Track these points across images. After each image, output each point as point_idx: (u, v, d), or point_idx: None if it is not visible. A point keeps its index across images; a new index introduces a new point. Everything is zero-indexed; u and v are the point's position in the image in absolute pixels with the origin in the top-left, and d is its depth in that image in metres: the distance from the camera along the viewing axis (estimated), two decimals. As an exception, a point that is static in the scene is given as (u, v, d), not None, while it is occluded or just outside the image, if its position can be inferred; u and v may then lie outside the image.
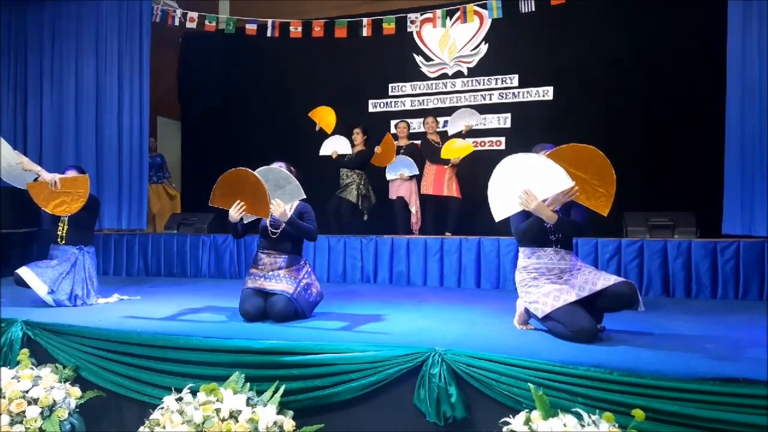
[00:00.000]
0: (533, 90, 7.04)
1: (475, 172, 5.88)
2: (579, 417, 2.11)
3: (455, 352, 2.45)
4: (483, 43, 7.27)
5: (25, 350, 3.05)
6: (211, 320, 3.35)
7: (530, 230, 2.91)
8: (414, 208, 6.30)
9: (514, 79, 7.13)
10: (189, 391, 2.52)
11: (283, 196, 3.37)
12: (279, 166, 3.45)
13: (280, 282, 3.37)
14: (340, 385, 2.56)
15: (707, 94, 5.58)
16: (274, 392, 2.55)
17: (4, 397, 2.73)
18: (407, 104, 7.60)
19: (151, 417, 2.46)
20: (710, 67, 5.53)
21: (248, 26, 6.66)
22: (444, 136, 6.30)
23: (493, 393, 2.37)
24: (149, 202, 7.18)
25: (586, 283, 2.78)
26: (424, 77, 7.52)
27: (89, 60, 6.37)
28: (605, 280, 2.76)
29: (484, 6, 6.14)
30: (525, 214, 2.92)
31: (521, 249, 3.01)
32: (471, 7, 6.21)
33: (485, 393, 2.38)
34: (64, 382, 2.91)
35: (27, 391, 2.77)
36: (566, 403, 2.21)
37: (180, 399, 2.48)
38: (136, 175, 6.31)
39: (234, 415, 2.38)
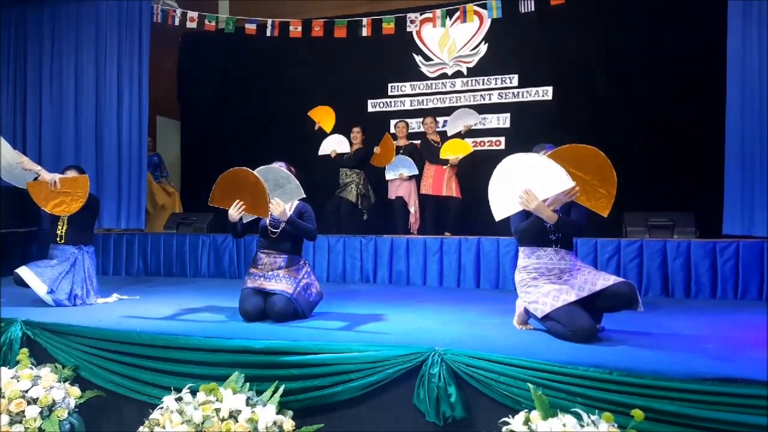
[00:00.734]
0: (533, 90, 7.04)
1: (475, 171, 5.87)
2: (578, 417, 2.11)
3: (455, 352, 2.45)
4: (483, 43, 7.27)
5: (25, 350, 3.04)
6: (210, 320, 3.35)
7: (530, 230, 2.91)
8: (413, 208, 6.31)
9: (514, 79, 7.13)
10: (188, 390, 2.52)
11: (282, 195, 3.37)
12: (279, 166, 3.45)
13: (279, 282, 3.37)
14: (340, 385, 2.56)
15: (707, 94, 5.58)
16: (274, 392, 2.55)
17: (3, 397, 2.73)
18: (407, 104, 7.60)
19: (151, 417, 2.46)
20: (710, 67, 5.53)
21: (248, 26, 6.66)
22: (443, 136, 6.30)
23: (492, 393, 2.37)
24: (154, 195, 7.19)
25: (585, 283, 2.79)
26: (423, 77, 7.52)
27: (89, 60, 6.37)
28: (605, 280, 2.76)
29: (483, 6, 6.13)
30: (525, 214, 2.92)
31: (521, 249, 3.01)
32: (471, 7, 6.21)
33: (485, 393, 2.38)
34: (64, 381, 2.91)
35: (26, 391, 2.77)
36: (565, 403, 2.21)
37: (179, 399, 2.48)
38: (135, 174, 6.31)
39: (233, 415, 2.38)
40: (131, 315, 3.42)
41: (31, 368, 2.92)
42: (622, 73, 6.45)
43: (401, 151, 6.33)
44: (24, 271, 3.77)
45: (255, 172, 3.28)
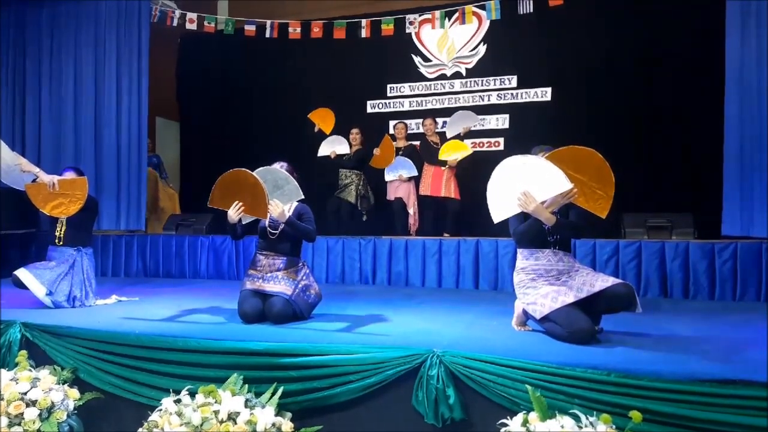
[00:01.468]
0: (532, 91, 7.05)
1: (474, 172, 5.86)
2: (576, 418, 2.12)
3: (453, 353, 2.46)
4: (482, 44, 7.28)
5: (24, 352, 3.05)
6: (209, 322, 3.35)
7: (529, 232, 2.92)
8: (412, 209, 6.31)
9: (513, 80, 7.13)
10: (187, 392, 2.52)
11: (281, 196, 3.37)
12: (281, 167, 3.46)
13: (278, 283, 3.37)
14: (339, 386, 2.56)
15: (705, 95, 5.59)
16: (273, 394, 2.55)
17: (2, 399, 2.73)
18: (406, 105, 7.60)
19: (150, 419, 2.47)
20: (709, 68, 5.53)
21: (247, 27, 6.66)
22: (443, 138, 6.30)
23: (490, 394, 2.37)
24: (158, 194, 7.18)
25: (584, 284, 2.79)
26: (422, 78, 7.53)
27: (88, 61, 6.37)
28: (603, 281, 2.77)
29: (482, 7, 6.14)
30: (523, 216, 2.92)
31: (519, 250, 3.02)
32: (469, 8, 6.21)
33: (483, 394, 2.39)
34: (63, 383, 2.91)
35: (25, 393, 2.77)
36: (564, 404, 2.22)
37: (178, 401, 2.48)
38: (134, 175, 6.31)
39: (232, 417, 2.38)
40: (130, 317, 3.43)
41: (30, 370, 2.93)
42: (621, 74, 6.46)
43: (401, 152, 6.33)
44: (23, 273, 3.77)
45: (254, 174, 3.29)
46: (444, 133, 6.41)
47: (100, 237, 6.07)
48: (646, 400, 2.15)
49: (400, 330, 3.07)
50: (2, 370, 2.90)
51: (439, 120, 6.70)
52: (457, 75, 7.38)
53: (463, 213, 6.09)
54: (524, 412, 2.21)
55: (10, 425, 2.68)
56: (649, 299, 4.42)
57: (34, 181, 3.91)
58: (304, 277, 3.47)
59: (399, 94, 7.62)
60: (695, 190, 5.79)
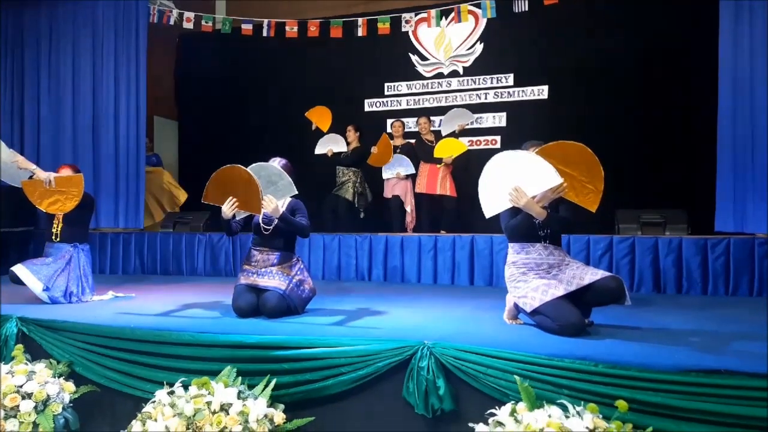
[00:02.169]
0: (528, 89, 7.09)
1: (471, 170, 5.88)
2: (564, 408, 2.14)
3: (443, 345, 2.48)
4: (478, 42, 7.32)
5: (20, 346, 3.07)
6: (204, 316, 3.38)
7: (520, 226, 2.94)
8: (409, 207, 6.33)
9: (510, 79, 7.17)
10: (181, 385, 2.55)
11: (275, 192, 3.39)
12: (278, 162, 3.49)
13: (272, 278, 3.40)
14: (331, 378, 2.59)
15: (699, 92, 5.63)
16: (265, 386, 2.58)
17: (-2, 392, 2.76)
18: (403, 104, 7.64)
19: (144, 410, 2.49)
20: (702, 66, 5.56)
21: (244, 26, 6.69)
22: (438, 136, 6.33)
23: (480, 385, 2.39)
24: (173, 191, 7.20)
25: (573, 277, 2.82)
26: (419, 77, 7.56)
27: (86, 60, 6.40)
28: (592, 274, 2.79)
29: (478, 5, 6.17)
30: (514, 211, 2.95)
31: (510, 245, 3.04)
32: (465, 6, 6.24)
33: (473, 385, 2.41)
34: (59, 377, 2.94)
35: (21, 386, 2.80)
36: (552, 395, 2.24)
37: (172, 392, 2.51)
38: (133, 174, 6.33)
39: (225, 408, 2.41)
40: (126, 312, 3.45)
41: (26, 364, 2.95)
42: (616, 72, 6.50)
43: (398, 150, 6.37)
44: (19, 269, 3.80)
45: (248, 170, 3.31)
46: (439, 131, 6.45)
47: (97, 235, 6.10)
48: (633, 390, 2.17)
49: (393, 324, 3.10)
50: (-1, 363, 2.93)
51: (435, 119, 6.73)
52: (454, 74, 7.42)
53: (459, 210, 6.12)
54: (513, 402, 2.24)
55: (6, 417, 2.71)
56: (643, 294, 4.45)
57: (30, 177, 3.94)
58: (299, 272, 3.50)
59: (396, 92, 7.66)
60: (689, 187, 5.83)
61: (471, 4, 6.25)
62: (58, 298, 3.81)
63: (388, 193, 6.41)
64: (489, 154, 3.03)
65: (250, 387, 2.60)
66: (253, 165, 3.40)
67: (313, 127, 6.54)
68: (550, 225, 2.91)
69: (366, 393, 2.56)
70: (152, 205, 7.01)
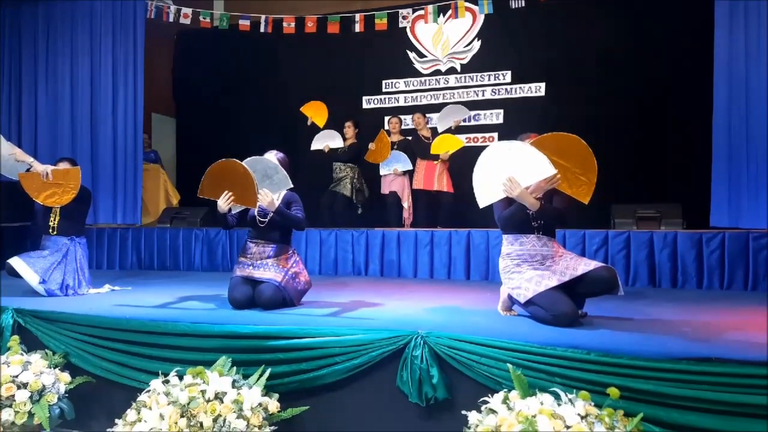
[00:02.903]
0: (526, 86, 7.11)
1: (468, 167, 5.80)
2: (556, 396, 2.16)
3: (437, 334, 2.50)
4: (476, 39, 7.33)
5: (16, 337, 3.08)
6: (199, 308, 3.39)
7: (513, 217, 2.95)
8: (406, 203, 6.34)
9: (507, 75, 7.18)
10: (176, 374, 2.56)
11: (271, 186, 3.41)
12: (274, 155, 3.50)
13: (268, 270, 3.41)
14: (325, 368, 2.60)
15: (695, 88, 5.63)
16: (260, 375, 2.59)
17: (-6, 382, 2.77)
18: (401, 100, 7.65)
19: (138, 399, 2.50)
20: (698, 62, 5.57)
21: (241, 22, 6.70)
22: (435, 132, 6.34)
23: (473, 374, 2.41)
24: (168, 189, 7.21)
25: (567, 268, 2.83)
26: (417, 74, 7.57)
27: (84, 57, 6.40)
28: (586, 265, 2.81)
29: (475, 2, 6.18)
30: (508, 201, 2.96)
31: (504, 236, 3.05)
32: (462, 3, 6.25)
33: (466, 374, 2.43)
34: (54, 368, 2.94)
35: (17, 376, 2.81)
36: (544, 383, 2.26)
37: (166, 381, 2.52)
38: (130, 170, 6.34)
39: (219, 397, 2.42)
40: (122, 304, 3.46)
41: (22, 355, 2.96)
42: (613, 69, 6.52)
43: (395, 147, 6.37)
44: (16, 262, 3.81)
45: (243, 163, 3.32)
46: (436, 128, 6.46)
47: (94, 230, 6.10)
48: (625, 377, 2.19)
49: (387, 315, 3.11)
50: (-6, 354, 2.94)
51: (432, 115, 6.73)
52: (451, 70, 7.43)
53: (457, 206, 6.12)
54: (505, 390, 2.25)
55: (2, 407, 2.72)
56: (638, 288, 4.46)
57: (28, 170, 3.95)
58: (294, 265, 3.51)
59: (394, 89, 7.67)
60: (684, 181, 5.85)
61: (468, 0, 6.26)
62: (55, 291, 3.82)
63: (385, 189, 6.42)
64: (486, 150, 3.04)
65: (245, 377, 2.61)
66: (249, 159, 3.41)
67: (309, 122, 6.54)
68: (543, 216, 2.93)
69: (360, 382, 2.58)
70: (149, 202, 7.02)
